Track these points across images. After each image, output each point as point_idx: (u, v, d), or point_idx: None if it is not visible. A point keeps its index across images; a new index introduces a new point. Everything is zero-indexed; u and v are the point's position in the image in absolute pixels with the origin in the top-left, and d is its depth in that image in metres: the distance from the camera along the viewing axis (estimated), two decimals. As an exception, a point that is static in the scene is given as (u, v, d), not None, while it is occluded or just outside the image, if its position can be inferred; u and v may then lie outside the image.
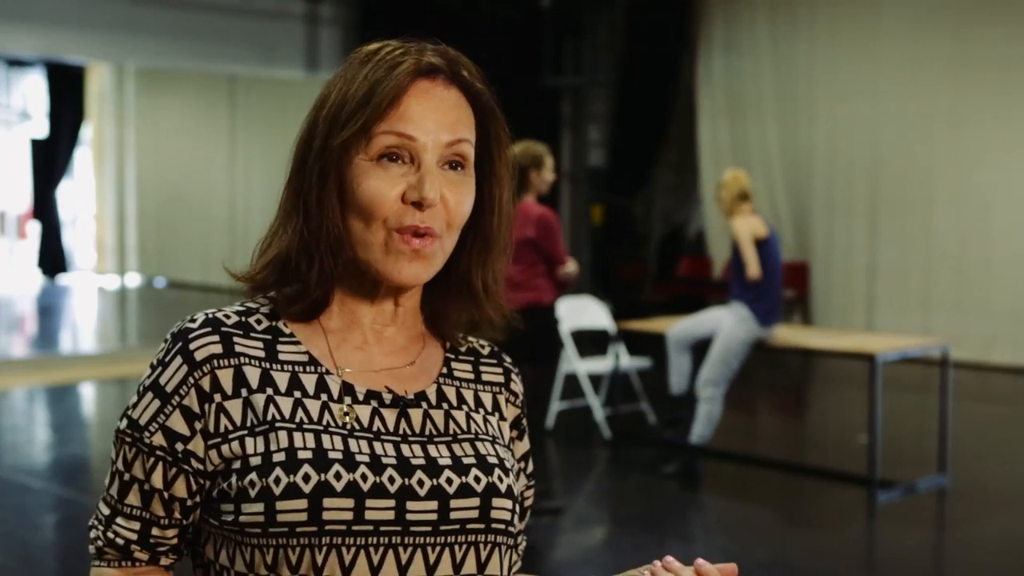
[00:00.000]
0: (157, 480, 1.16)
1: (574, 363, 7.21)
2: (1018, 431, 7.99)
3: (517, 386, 1.32)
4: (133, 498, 1.17)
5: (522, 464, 1.31)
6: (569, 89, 12.30)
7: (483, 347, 1.32)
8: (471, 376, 1.28)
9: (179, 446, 1.15)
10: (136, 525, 1.18)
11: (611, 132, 12.44)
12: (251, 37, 10.45)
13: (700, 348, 6.32)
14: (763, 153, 11.44)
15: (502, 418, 1.28)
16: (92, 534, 1.21)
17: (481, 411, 1.25)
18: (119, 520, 1.18)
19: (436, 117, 1.16)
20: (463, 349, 1.29)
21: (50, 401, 8.64)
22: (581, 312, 7.40)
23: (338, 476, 1.11)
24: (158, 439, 1.16)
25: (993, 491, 6.07)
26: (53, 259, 16.02)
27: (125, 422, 1.18)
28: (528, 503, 1.33)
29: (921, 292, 10.38)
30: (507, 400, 1.30)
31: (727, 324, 6.11)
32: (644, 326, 7.11)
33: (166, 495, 1.16)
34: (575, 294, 7.92)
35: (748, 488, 6.34)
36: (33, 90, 15.87)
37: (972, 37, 9.94)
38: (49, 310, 14.37)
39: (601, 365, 7.41)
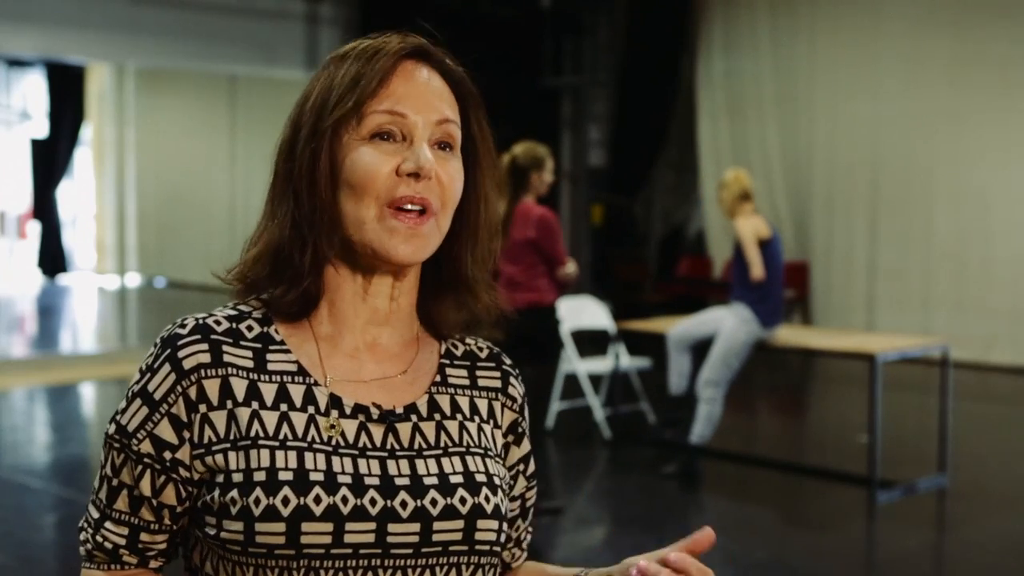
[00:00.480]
0: (146, 487, 1.15)
1: (574, 363, 7.20)
2: (1018, 431, 7.99)
3: (515, 389, 1.29)
4: (122, 503, 1.16)
5: (522, 467, 1.29)
6: (569, 89, 12.30)
7: (481, 350, 1.29)
8: (466, 382, 1.25)
9: (167, 455, 1.14)
10: (125, 530, 1.17)
11: (611, 132, 12.43)
12: (251, 37, 10.45)
13: (700, 348, 6.32)
14: (763, 153, 11.43)
15: (496, 425, 1.26)
16: (82, 536, 1.20)
17: (476, 419, 1.23)
18: (108, 524, 1.17)
19: (424, 96, 1.16)
20: (459, 353, 1.27)
21: (50, 401, 8.63)
22: (581, 312, 7.39)
23: (318, 500, 1.09)
24: (146, 447, 1.14)
25: (993, 491, 6.07)
26: (53, 259, 16.03)
27: (114, 427, 1.17)
28: (530, 503, 1.32)
29: (921, 292, 10.38)
30: (503, 405, 1.27)
31: (729, 325, 6.10)
32: (644, 326, 7.10)
33: (155, 502, 1.15)
34: (575, 294, 7.92)
35: (748, 488, 6.34)
36: (33, 90, 15.87)
37: (972, 37, 9.94)
38: (49, 310, 14.36)
39: (601, 365, 7.40)
